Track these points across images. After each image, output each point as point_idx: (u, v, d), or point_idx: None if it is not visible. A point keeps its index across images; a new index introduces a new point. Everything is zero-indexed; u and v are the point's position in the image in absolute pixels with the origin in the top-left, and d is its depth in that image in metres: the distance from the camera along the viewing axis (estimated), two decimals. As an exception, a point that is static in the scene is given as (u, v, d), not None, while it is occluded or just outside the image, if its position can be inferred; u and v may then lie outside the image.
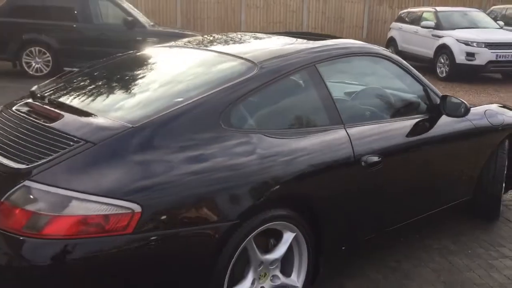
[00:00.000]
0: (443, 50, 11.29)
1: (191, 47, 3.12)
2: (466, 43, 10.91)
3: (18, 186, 1.92)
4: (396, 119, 3.04)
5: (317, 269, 2.56)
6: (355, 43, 3.13)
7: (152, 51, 3.27)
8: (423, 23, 12.13)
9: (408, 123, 3.03)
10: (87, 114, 2.31)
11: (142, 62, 3.08)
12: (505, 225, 3.81)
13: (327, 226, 2.52)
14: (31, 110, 2.47)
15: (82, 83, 2.87)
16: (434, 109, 3.21)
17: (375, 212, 2.84)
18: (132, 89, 2.64)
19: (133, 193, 1.93)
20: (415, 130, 3.04)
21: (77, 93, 2.69)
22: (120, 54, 3.26)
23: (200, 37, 3.44)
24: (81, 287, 1.90)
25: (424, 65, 11.45)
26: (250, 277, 2.29)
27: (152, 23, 11.37)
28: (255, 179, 2.21)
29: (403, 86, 3.27)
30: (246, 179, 2.18)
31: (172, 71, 2.82)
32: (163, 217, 1.97)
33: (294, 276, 2.47)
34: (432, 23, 11.97)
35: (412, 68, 3.28)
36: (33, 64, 10.30)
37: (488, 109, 3.67)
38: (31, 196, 1.89)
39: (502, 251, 3.39)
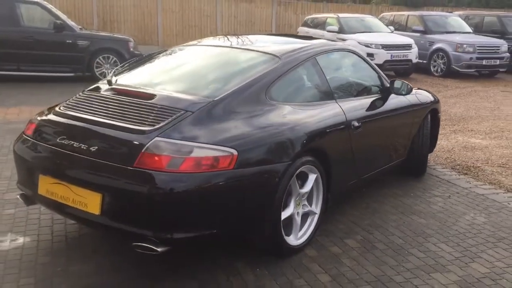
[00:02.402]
0: (347, 51, 12.91)
1: (225, 46, 3.99)
2: (367, 45, 12.65)
3: (152, 141, 2.75)
4: (364, 97, 4.18)
5: (327, 202, 3.60)
6: (334, 42, 4.24)
7: (193, 47, 4.13)
8: (329, 27, 13.74)
9: (371, 99, 4.19)
10: (172, 92, 3.16)
11: (190, 55, 3.93)
12: (430, 178, 5.14)
13: (334, 171, 3.56)
14: (121, 92, 3.26)
15: (146, 71, 3.71)
16: (386, 90, 4.41)
17: (357, 163, 3.94)
18: (194, 75, 3.54)
19: (231, 142, 2.85)
20: (376, 105, 4.21)
21: (149, 78, 3.54)
22: (165, 50, 4.08)
23: (227, 37, 4.33)
24: (203, 202, 2.75)
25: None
26: (292, 204, 3.26)
27: (80, 27, 11.72)
28: (294, 134, 3.19)
29: (364, 73, 4.42)
30: (290, 135, 3.16)
31: (218, 62, 3.73)
32: (250, 158, 2.89)
33: (313, 206, 3.49)
34: (336, 28, 13.62)
35: (369, 60, 4.46)
36: (-40, 67, 10.26)
37: (416, 91, 4.96)
38: (165, 147, 2.73)
39: (433, 193, 4.69)
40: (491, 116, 8.70)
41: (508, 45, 14.13)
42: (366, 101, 4.14)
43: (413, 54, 12.99)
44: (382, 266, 3.24)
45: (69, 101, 3.36)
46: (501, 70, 14.10)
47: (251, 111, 3.13)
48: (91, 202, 2.83)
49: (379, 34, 13.47)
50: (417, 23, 14.86)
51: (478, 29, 15.56)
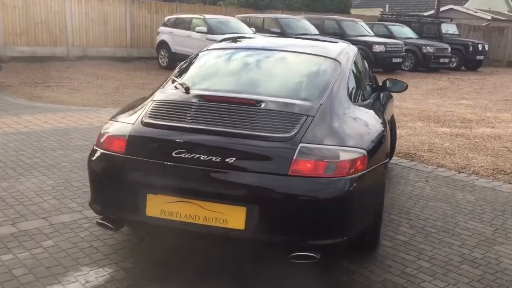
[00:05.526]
0: (220, 51, 13.11)
1: (279, 49, 3.87)
2: (239, 46, 13.00)
3: (299, 147, 2.66)
4: (375, 94, 4.47)
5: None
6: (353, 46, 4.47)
7: (245, 51, 3.95)
8: (198, 28, 13.74)
9: (379, 96, 4.51)
10: (277, 98, 3.05)
11: (249, 58, 3.70)
12: (394, 166, 5.69)
13: (385, 165, 3.81)
14: (216, 99, 3.03)
15: (219, 76, 3.46)
16: (379, 88, 4.77)
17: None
18: (275, 78, 3.43)
19: (360, 143, 2.89)
20: (384, 101, 4.55)
21: (229, 83, 3.32)
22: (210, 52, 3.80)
23: (265, 39, 4.19)
24: (351, 204, 2.76)
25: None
26: (379, 198, 3.42)
27: None
28: (385, 133, 3.35)
29: (367, 72, 4.72)
30: (383, 133, 3.30)
31: (291, 65, 3.63)
32: (372, 157, 2.95)
33: (379, 199, 3.67)
34: (205, 29, 13.69)
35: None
36: None
37: (385, 88, 5.44)
38: (313, 152, 2.67)
39: (411, 179, 5.22)
40: (376, 109, 9.76)
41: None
42: (379, 98, 4.44)
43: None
44: (452, 247, 3.58)
45: (151, 111, 2.98)
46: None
47: (348, 112, 3.19)
48: (232, 217, 2.62)
49: (245, 35, 13.92)
50: (273, 25, 15.75)
51: (320, 31, 17.09)
